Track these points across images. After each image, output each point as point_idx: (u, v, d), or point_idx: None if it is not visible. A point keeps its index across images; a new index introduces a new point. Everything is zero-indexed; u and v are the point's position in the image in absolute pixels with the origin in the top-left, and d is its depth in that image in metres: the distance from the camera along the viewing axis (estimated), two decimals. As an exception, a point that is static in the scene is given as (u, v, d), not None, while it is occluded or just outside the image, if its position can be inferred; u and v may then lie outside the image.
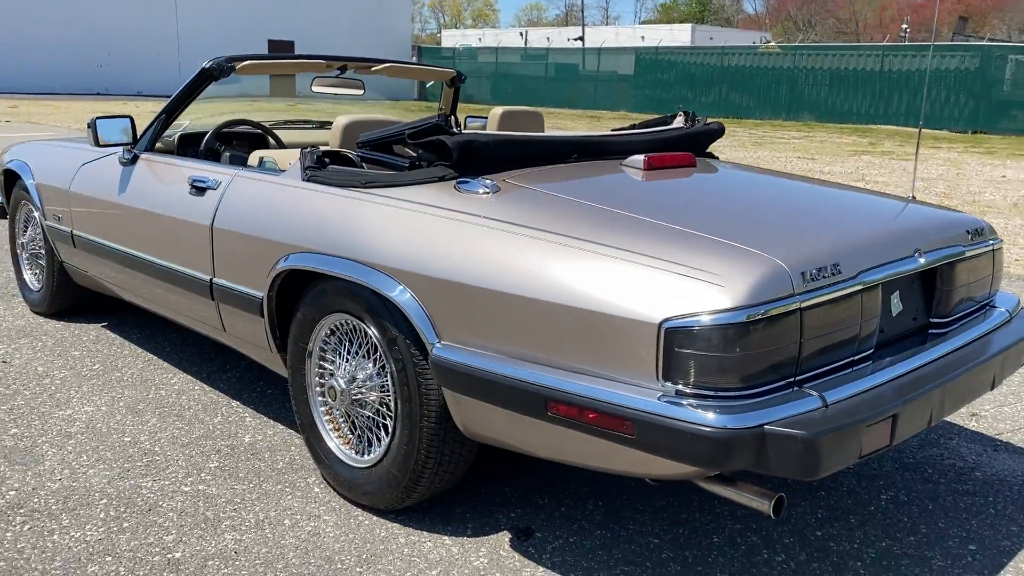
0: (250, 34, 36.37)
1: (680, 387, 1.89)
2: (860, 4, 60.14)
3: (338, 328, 2.65)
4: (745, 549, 2.48)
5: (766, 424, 1.82)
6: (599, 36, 47.98)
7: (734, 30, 56.58)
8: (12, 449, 2.97)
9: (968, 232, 2.59)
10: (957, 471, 3.01)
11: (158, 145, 3.70)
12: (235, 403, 3.43)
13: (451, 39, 56.72)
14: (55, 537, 2.44)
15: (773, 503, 1.93)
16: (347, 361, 2.62)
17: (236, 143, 4.01)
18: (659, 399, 1.89)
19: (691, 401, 1.87)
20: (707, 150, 3.35)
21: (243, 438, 3.11)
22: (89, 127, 3.55)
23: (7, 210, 4.68)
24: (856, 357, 2.14)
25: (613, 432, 1.94)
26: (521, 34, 53.19)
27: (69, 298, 4.42)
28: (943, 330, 2.49)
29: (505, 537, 2.51)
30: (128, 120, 3.63)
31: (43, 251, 4.38)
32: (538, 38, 51.10)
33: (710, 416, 1.82)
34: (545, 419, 2.06)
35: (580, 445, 2.05)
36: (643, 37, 46.41)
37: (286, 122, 4.56)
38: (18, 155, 4.46)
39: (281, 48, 36.95)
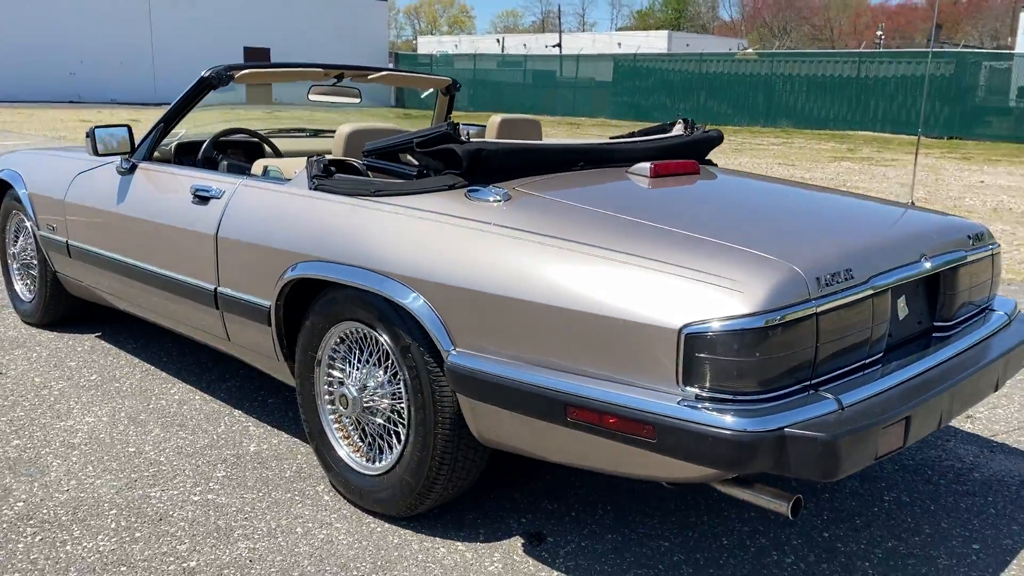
0: (225, 41, 36.26)
1: (700, 391, 1.92)
2: (834, 11, 60.74)
3: (348, 336, 2.66)
4: (755, 551, 2.51)
5: (786, 427, 1.85)
6: (576, 43, 48.19)
7: (710, 37, 56.98)
8: (16, 460, 2.96)
9: (969, 237, 2.64)
10: (956, 472, 3.05)
11: (155, 154, 3.69)
12: (237, 412, 3.43)
13: (427, 46, 56.75)
14: (68, 548, 2.43)
15: (791, 504, 1.96)
16: (357, 369, 2.63)
17: (232, 152, 4.01)
18: (679, 403, 1.91)
19: (712, 405, 1.90)
20: (706, 157, 3.39)
21: (248, 447, 3.11)
22: (88, 136, 3.53)
23: None
24: (867, 360, 2.17)
25: (633, 436, 1.96)
26: (498, 41, 53.33)
27: (62, 308, 4.39)
28: (946, 333, 2.53)
29: (518, 542, 2.52)
30: (126, 129, 3.62)
31: (35, 261, 4.35)
32: (515, 45, 51.29)
33: (733, 420, 1.85)
34: (564, 424, 2.08)
35: (599, 449, 2.07)
36: (620, 44, 46.70)
37: (280, 130, 4.56)
38: (9, 164, 4.43)
39: (257, 56, 36.82)
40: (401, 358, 2.44)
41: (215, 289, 3.06)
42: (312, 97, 3.97)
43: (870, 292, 2.13)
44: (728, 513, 2.71)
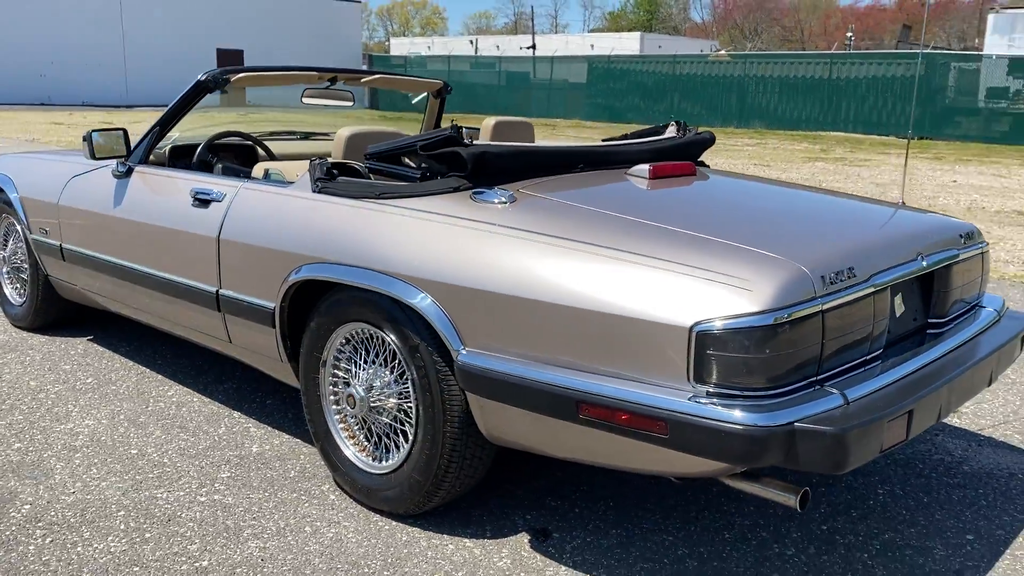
0: (199, 43, 36.03)
1: (711, 388, 1.97)
2: (804, 12, 61.28)
3: (353, 337, 2.69)
4: (756, 544, 2.57)
5: (796, 421, 1.91)
6: (550, 44, 48.28)
7: (682, 38, 57.31)
8: (20, 464, 2.96)
9: (961, 236, 2.72)
10: (946, 465, 3.13)
11: (151, 158, 3.70)
12: (236, 414, 3.44)
13: (400, 47, 56.60)
14: (79, 549, 2.44)
15: (799, 497, 2.02)
16: (363, 369, 2.66)
17: (224, 154, 4.02)
18: (691, 399, 1.96)
19: (723, 401, 1.95)
20: (699, 159, 3.45)
21: (250, 448, 3.13)
22: (85, 140, 3.54)
23: None
24: (869, 356, 2.24)
25: (646, 432, 2.01)
26: (471, 42, 53.30)
27: (54, 312, 4.39)
28: (940, 330, 2.61)
29: (524, 538, 2.57)
30: (122, 132, 3.63)
31: (26, 265, 4.34)
32: (488, 46, 51.28)
33: (744, 415, 1.90)
34: (576, 421, 2.13)
35: (610, 446, 2.12)
36: (592, 45, 46.83)
37: (272, 133, 4.57)
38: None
39: (230, 57, 36.61)
40: (409, 358, 2.47)
41: (217, 291, 3.07)
42: (306, 100, 3.99)
43: (871, 290, 2.19)
44: (729, 508, 2.77)
